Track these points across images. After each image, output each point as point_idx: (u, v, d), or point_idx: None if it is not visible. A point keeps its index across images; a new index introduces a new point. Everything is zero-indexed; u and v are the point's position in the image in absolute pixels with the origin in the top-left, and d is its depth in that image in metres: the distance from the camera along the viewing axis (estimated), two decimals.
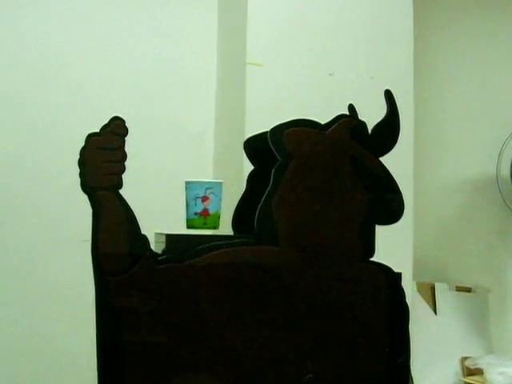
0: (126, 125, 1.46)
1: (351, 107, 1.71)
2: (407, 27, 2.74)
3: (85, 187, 1.43)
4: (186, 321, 1.47)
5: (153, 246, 1.51)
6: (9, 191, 2.68)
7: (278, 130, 1.54)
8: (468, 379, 2.97)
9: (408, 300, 1.61)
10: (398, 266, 1.59)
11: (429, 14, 3.16)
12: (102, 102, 2.70)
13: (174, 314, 1.46)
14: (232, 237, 1.63)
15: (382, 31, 2.72)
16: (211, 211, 1.67)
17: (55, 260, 2.69)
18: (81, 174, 1.43)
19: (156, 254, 1.48)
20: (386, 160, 1.60)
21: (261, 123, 1.64)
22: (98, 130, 1.45)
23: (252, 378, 1.50)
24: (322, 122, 1.57)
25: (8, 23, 2.74)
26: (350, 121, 1.59)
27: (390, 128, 1.61)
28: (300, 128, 1.55)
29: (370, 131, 1.61)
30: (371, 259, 1.58)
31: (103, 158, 1.43)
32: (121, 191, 1.45)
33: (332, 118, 1.58)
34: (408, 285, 2.48)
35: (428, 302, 3.11)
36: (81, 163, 1.43)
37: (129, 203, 1.45)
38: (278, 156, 1.53)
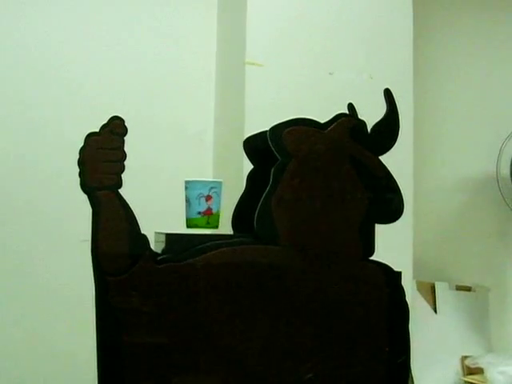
0: (126, 124, 1.46)
1: (351, 106, 1.72)
2: (407, 27, 2.74)
3: (84, 187, 1.43)
4: (185, 320, 1.47)
5: (152, 246, 1.51)
6: (8, 191, 2.68)
7: (278, 129, 1.54)
8: (468, 378, 2.97)
9: (408, 299, 1.61)
10: (398, 265, 1.59)
11: (428, 14, 3.16)
12: (102, 102, 2.70)
13: (173, 314, 1.46)
14: (232, 236, 1.63)
15: (382, 31, 2.72)
16: (214, 210, 1.67)
17: (55, 260, 2.69)
18: (80, 174, 1.43)
19: (156, 253, 1.48)
20: (385, 159, 1.60)
21: (260, 122, 1.64)
22: (97, 130, 1.45)
23: (252, 377, 1.50)
24: (322, 122, 1.57)
25: (8, 23, 2.74)
26: (349, 120, 1.59)
27: (389, 127, 1.61)
28: (299, 127, 1.55)
29: (369, 130, 1.61)
30: (371, 258, 1.58)
31: (103, 157, 1.42)
32: (120, 191, 1.45)
33: (331, 117, 1.58)
34: (408, 284, 2.48)
35: (428, 301, 3.11)
36: (80, 163, 1.43)
37: (128, 203, 1.45)
38: (277, 155, 1.53)
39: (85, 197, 1.44)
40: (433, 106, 3.23)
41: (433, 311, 3.11)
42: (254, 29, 2.58)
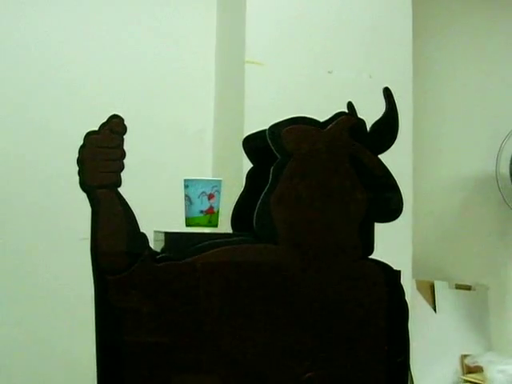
0: (125, 123, 1.46)
1: (350, 105, 1.72)
2: (406, 26, 2.74)
3: (84, 185, 1.43)
4: (185, 319, 1.47)
5: (152, 244, 1.51)
6: (8, 190, 2.68)
7: (277, 128, 1.54)
8: (468, 377, 2.97)
9: (407, 298, 1.61)
10: (398, 264, 1.59)
11: (428, 13, 3.16)
12: (102, 101, 2.70)
13: (173, 313, 1.46)
14: (231, 235, 1.63)
15: (382, 30, 2.72)
16: (215, 209, 1.67)
17: (54, 258, 2.69)
18: (80, 173, 1.43)
19: (155, 252, 1.48)
20: (384, 158, 1.60)
21: (260, 121, 1.64)
22: (96, 129, 1.45)
23: (251, 376, 1.50)
24: (321, 120, 1.58)
25: (8, 23, 2.74)
26: (348, 118, 1.59)
27: (388, 126, 1.61)
28: (299, 126, 1.55)
29: (368, 129, 1.61)
30: (370, 257, 1.58)
31: (102, 156, 1.43)
32: (120, 189, 1.45)
33: (331, 115, 1.58)
34: (407, 283, 2.48)
35: (428, 300, 3.11)
36: (80, 161, 1.44)
37: (128, 201, 1.46)
38: (276, 154, 1.53)
39: (84, 195, 1.44)
40: (432, 105, 3.23)
41: (432, 310, 3.11)
42: (254, 28, 2.57)
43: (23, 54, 2.75)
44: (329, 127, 1.56)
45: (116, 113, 1.47)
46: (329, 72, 2.62)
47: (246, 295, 1.50)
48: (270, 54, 2.57)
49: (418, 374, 2.88)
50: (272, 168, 1.52)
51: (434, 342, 3.01)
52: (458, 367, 3.03)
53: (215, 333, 1.48)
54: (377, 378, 1.58)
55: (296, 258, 1.53)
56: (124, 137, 1.45)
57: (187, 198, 1.67)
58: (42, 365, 2.67)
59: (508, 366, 2.85)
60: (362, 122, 1.60)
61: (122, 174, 1.44)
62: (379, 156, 1.60)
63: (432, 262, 3.18)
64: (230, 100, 2.77)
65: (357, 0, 2.72)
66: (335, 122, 1.57)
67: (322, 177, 1.56)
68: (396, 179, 1.61)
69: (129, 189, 1.46)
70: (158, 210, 2.40)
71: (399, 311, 1.60)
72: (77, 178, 1.44)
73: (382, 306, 1.59)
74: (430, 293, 3.14)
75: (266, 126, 1.56)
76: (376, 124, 1.61)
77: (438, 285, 3.15)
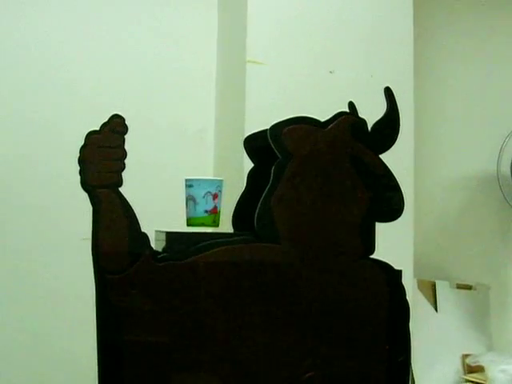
0: (126, 123, 1.46)
1: (351, 104, 1.71)
2: (407, 26, 2.74)
3: (85, 185, 1.43)
4: (186, 319, 1.47)
5: (153, 244, 1.51)
6: (9, 190, 2.68)
7: (278, 127, 1.54)
8: (469, 377, 2.96)
9: (408, 297, 1.61)
10: (399, 264, 1.59)
11: (429, 13, 3.16)
12: (102, 101, 2.70)
13: (174, 312, 1.46)
14: (232, 234, 1.63)
15: (382, 29, 2.72)
16: (218, 209, 1.67)
17: (55, 258, 2.69)
18: (81, 172, 1.43)
19: (156, 251, 1.48)
20: (386, 157, 1.60)
21: (261, 121, 1.64)
22: (98, 129, 1.45)
23: (251, 375, 1.50)
24: (322, 120, 1.57)
25: (8, 23, 2.74)
26: (349, 118, 1.59)
27: (390, 125, 1.61)
28: (300, 125, 1.55)
29: (369, 129, 1.61)
30: (371, 257, 1.58)
31: (103, 156, 1.43)
32: (121, 189, 1.45)
33: (332, 115, 1.58)
34: (409, 282, 2.47)
35: (429, 300, 3.11)
36: (81, 161, 1.44)
37: (129, 201, 1.45)
38: (277, 154, 1.53)
39: (85, 195, 1.44)
40: (433, 105, 3.23)
41: (433, 310, 3.11)
42: (255, 28, 2.57)
43: (23, 54, 2.74)
44: (330, 127, 1.56)
45: (117, 112, 1.47)
46: (330, 72, 2.62)
47: (246, 295, 1.50)
48: (271, 53, 2.57)
49: (419, 374, 2.88)
50: (273, 168, 1.52)
51: (435, 342, 3.01)
52: (459, 367, 3.03)
53: (216, 332, 1.48)
54: (378, 378, 1.58)
55: (297, 258, 1.53)
56: (125, 136, 1.45)
57: (191, 197, 1.66)
58: (42, 365, 2.67)
59: (509, 366, 2.85)
60: (363, 122, 1.60)
61: (123, 174, 1.44)
62: (380, 156, 1.60)
63: (433, 262, 3.18)
64: (231, 100, 2.77)
65: (358, 0, 2.72)
66: (336, 121, 1.57)
67: (323, 176, 1.55)
68: (397, 179, 1.61)
69: (130, 189, 1.46)
70: (158, 210, 2.40)
71: (400, 311, 1.60)
72: (78, 177, 1.44)
73: (383, 305, 1.59)
74: (431, 292, 3.13)
75: (267, 126, 1.56)
76: (377, 124, 1.61)
77: (439, 284, 3.15)
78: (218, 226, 1.68)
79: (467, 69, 3.34)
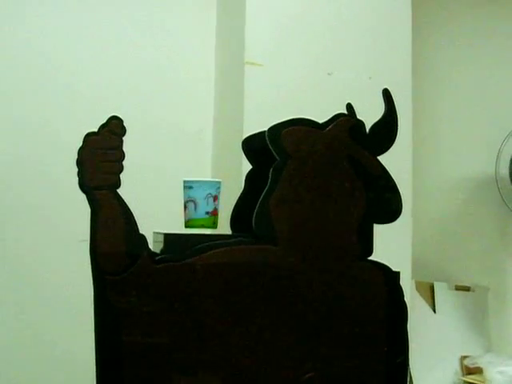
0: (125, 124, 1.46)
1: (349, 106, 1.71)
2: (406, 27, 2.74)
3: (83, 187, 1.43)
4: (184, 320, 1.47)
5: (151, 246, 1.51)
6: (7, 191, 2.68)
7: (276, 129, 1.54)
8: (467, 378, 2.97)
9: (407, 299, 1.61)
10: (397, 265, 1.59)
11: (427, 15, 3.17)
12: (101, 102, 2.70)
13: (172, 314, 1.46)
14: (230, 236, 1.63)
15: (381, 31, 2.72)
16: (218, 211, 1.67)
17: (54, 259, 2.69)
18: (79, 174, 1.43)
19: (154, 253, 1.48)
20: (384, 159, 1.60)
21: (259, 123, 1.64)
22: (96, 130, 1.45)
23: (251, 377, 1.50)
24: (321, 122, 1.57)
25: (7, 24, 2.74)
26: (348, 120, 1.59)
27: (388, 127, 1.61)
28: (298, 127, 1.55)
29: (368, 130, 1.61)
30: (369, 258, 1.58)
31: (101, 157, 1.43)
32: (119, 191, 1.45)
33: (330, 117, 1.58)
34: (407, 284, 2.49)
35: (427, 301, 3.11)
36: (79, 163, 1.43)
37: (127, 203, 1.45)
38: (275, 155, 1.52)
39: (84, 197, 1.44)
40: (431, 106, 3.23)
41: (432, 311, 3.12)
42: (253, 29, 2.58)
43: (22, 56, 2.75)
44: (328, 128, 1.56)
45: (115, 114, 1.46)
46: (328, 73, 2.62)
47: (245, 296, 1.50)
48: (270, 55, 2.57)
49: (417, 375, 2.88)
50: (271, 169, 1.52)
51: (434, 343, 3.01)
52: (458, 368, 3.03)
53: (214, 334, 1.48)
54: (376, 379, 1.58)
55: (295, 259, 1.53)
56: (123, 138, 1.45)
57: (191, 199, 1.66)
58: (41, 365, 2.67)
59: (508, 367, 2.86)
60: (361, 124, 1.60)
61: (121, 176, 1.44)
62: (378, 157, 1.60)
63: (431, 263, 3.18)
64: (230, 101, 2.77)
65: (356, 2, 2.72)
66: (334, 123, 1.57)
67: (321, 178, 1.55)
68: (395, 180, 1.60)
69: (128, 190, 1.46)
70: (157, 212, 2.40)
71: (398, 312, 1.60)
72: (76, 179, 1.44)
73: (381, 307, 1.59)
74: (429, 294, 3.14)
75: (265, 128, 1.56)
76: (375, 125, 1.61)
77: (437, 286, 3.16)
78: (216, 227, 1.68)
79: (465, 70, 3.35)
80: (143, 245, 1.46)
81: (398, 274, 1.60)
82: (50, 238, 2.70)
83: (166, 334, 1.45)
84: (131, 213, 1.45)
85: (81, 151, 1.43)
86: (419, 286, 3.09)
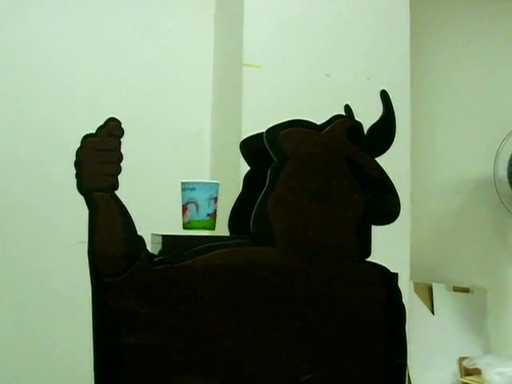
0: (123, 126, 1.46)
1: (347, 107, 1.71)
2: (404, 28, 2.74)
3: (81, 188, 1.43)
4: (182, 322, 1.47)
5: (149, 247, 1.51)
6: (5, 193, 2.68)
7: (274, 130, 1.54)
8: (466, 379, 2.97)
9: (405, 300, 1.61)
10: (395, 267, 1.59)
11: (425, 16, 3.17)
12: (99, 104, 2.70)
13: (170, 315, 1.46)
14: (228, 237, 1.63)
15: (379, 32, 2.72)
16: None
17: (53, 261, 2.69)
18: (77, 175, 1.43)
19: (152, 255, 1.48)
20: (382, 160, 1.61)
21: (258, 124, 1.64)
22: (94, 132, 1.45)
23: (249, 378, 1.50)
24: (319, 123, 1.57)
25: (7, 24, 2.74)
26: (346, 121, 1.59)
27: (386, 128, 1.62)
28: (296, 129, 1.55)
29: (366, 132, 1.61)
30: (368, 259, 1.58)
31: (99, 159, 1.42)
32: (117, 192, 1.45)
33: (328, 118, 1.58)
34: (405, 285, 2.49)
35: (425, 303, 3.11)
36: (77, 164, 1.43)
37: (125, 204, 1.45)
38: (273, 157, 1.53)
39: (82, 198, 1.43)
40: (430, 107, 3.24)
41: (430, 312, 3.12)
42: (252, 30, 2.58)
43: (21, 56, 2.74)
44: (326, 130, 1.56)
45: (113, 115, 1.46)
46: (326, 75, 2.62)
47: (243, 298, 1.50)
48: (268, 56, 2.57)
49: (415, 377, 2.88)
50: (269, 171, 1.52)
51: (432, 345, 3.01)
52: (456, 369, 3.03)
53: (213, 335, 1.48)
54: (375, 381, 1.58)
55: (293, 261, 1.53)
56: (121, 140, 1.45)
57: (193, 200, 1.65)
58: (39, 365, 2.67)
59: (506, 369, 2.86)
60: (359, 125, 1.60)
61: (119, 177, 1.44)
62: (377, 158, 1.60)
63: (430, 265, 3.18)
64: (228, 103, 2.77)
65: (355, 3, 2.72)
66: (332, 124, 1.57)
67: (320, 179, 1.55)
68: (393, 182, 1.61)
69: (126, 192, 1.46)
70: (155, 213, 2.40)
71: (397, 313, 1.60)
72: (75, 180, 1.44)
73: (380, 308, 1.59)
74: (427, 295, 3.14)
75: (263, 129, 1.56)
76: (373, 127, 1.61)
77: (435, 287, 3.16)
78: (214, 229, 1.68)
79: (464, 71, 3.35)
80: (141, 246, 1.46)
81: (396, 275, 1.60)
82: (50, 240, 2.70)
83: (165, 336, 1.45)
84: (129, 214, 1.45)
85: (78, 153, 1.43)
86: (417, 287, 3.09)
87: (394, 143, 1.62)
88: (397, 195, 1.61)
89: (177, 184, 1.69)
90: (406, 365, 1.64)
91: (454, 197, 3.32)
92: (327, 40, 2.66)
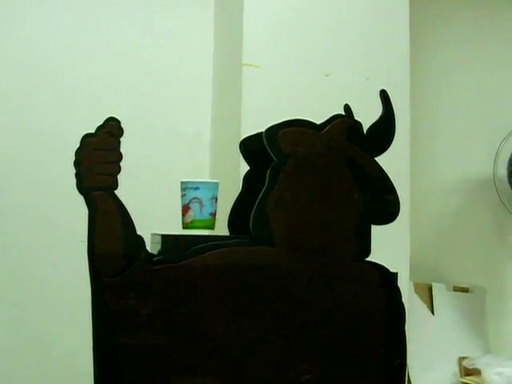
0: (123, 126, 1.45)
1: (347, 107, 1.71)
2: (403, 28, 2.74)
3: (80, 188, 1.43)
4: (182, 321, 1.47)
5: (148, 247, 1.50)
6: (6, 192, 2.68)
7: (273, 130, 1.54)
8: (465, 379, 2.97)
9: (405, 300, 1.61)
10: (395, 266, 1.59)
11: (425, 16, 3.17)
12: (99, 103, 2.70)
13: (170, 315, 1.46)
14: (228, 237, 1.63)
15: (378, 32, 2.72)
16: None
17: (53, 260, 2.69)
18: (76, 175, 1.43)
19: (152, 254, 1.48)
20: (382, 160, 1.60)
21: (257, 124, 1.63)
22: (93, 131, 1.45)
23: (248, 378, 1.50)
24: (318, 123, 1.57)
25: (7, 24, 2.74)
26: (345, 121, 1.59)
27: (385, 128, 1.61)
28: (296, 128, 1.55)
29: (365, 131, 1.61)
30: (367, 259, 1.58)
31: (98, 158, 1.42)
32: (116, 192, 1.44)
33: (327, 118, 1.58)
34: (405, 285, 2.49)
35: (425, 303, 3.11)
36: (76, 164, 1.43)
37: (124, 204, 1.45)
38: (273, 156, 1.52)
39: (82, 198, 1.43)
40: (429, 107, 3.24)
41: (430, 312, 3.11)
42: (251, 30, 2.58)
43: (20, 56, 2.75)
44: (326, 129, 1.56)
45: (113, 115, 1.46)
46: (326, 75, 2.62)
47: (243, 297, 1.50)
48: (268, 56, 2.58)
49: (415, 377, 2.88)
50: (268, 170, 1.52)
51: (432, 345, 3.01)
52: (456, 369, 3.03)
53: (212, 335, 1.48)
54: (374, 381, 1.58)
55: (293, 260, 1.53)
56: (121, 139, 1.45)
57: (196, 200, 1.65)
58: (39, 365, 2.67)
59: (506, 369, 2.86)
60: (358, 125, 1.60)
61: (118, 177, 1.44)
62: (376, 158, 1.60)
63: (429, 265, 3.18)
64: (228, 103, 2.77)
65: (354, 3, 2.72)
66: (332, 124, 1.56)
67: (319, 179, 1.55)
68: (393, 181, 1.60)
69: (126, 191, 1.46)
70: (154, 213, 2.40)
71: (396, 313, 1.60)
72: (74, 180, 1.44)
73: (379, 308, 1.59)
74: (427, 295, 3.14)
75: (263, 129, 1.56)
76: (373, 126, 1.61)
77: (435, 287, 3.16)
78: (214, 228, 1.68)
79: (463, 71, 3.35)
80: (141, 246, 1.46)
81: (395, 274, 1.60)
82: (50, 239, 2.70)
83: (164, 336, 1.45)
84: (129, 214, 1.45)
85: (78, 152, 1.43)
86: (417, 288, 3.09)
87: (393, 143, 1.62)
88: (396, 195, 1.60)
89: (176, 184, 1.69)
90: (405, 365, 1.63)
91: (454, 196, 3.32)
92: (327, 40, 2.66)
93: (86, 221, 1.44)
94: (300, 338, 1.53)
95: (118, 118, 1.46)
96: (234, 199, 1.77)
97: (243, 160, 1.77)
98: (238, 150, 1.79)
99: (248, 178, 1.76)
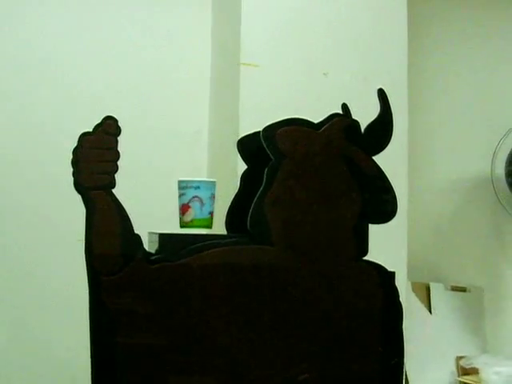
0: (120, 125, 1.45)
1: (344, 106, 1.71)
2: (401, 28, 2.75)
3: (78, 187, 1.43)
4: (180, 320, 1.46)
5: (146, 246, 1.50)
6: (4, 191, 2.68)
7: (271, 129, 1.53)
8: (463, 379, 2.97)
9: (402, 300, 1.61)
10: (393, 266, 1.59)
11: (423, 15, 3.17)
12: (97, 102, 2.70)
13: (167, 314, 1.46)
14: (226, 236, 1.63)
15: (376, 32, 2.72)
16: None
17: (52, 259, 2.69)
18: (74, 174, 1.43)
19: (149, 253, 1.48)
20: (379, 159, 1.60)
21: (255, 123, 1.63)
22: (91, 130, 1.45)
23: (247, 377, 1.50)
24: (316, 122, 1.57)
25: (7, 24, 2.74)
26: (343, 120, 1.59)
27: (383, 127, 1.61)
28: (293, 127, 1.55)
29: (363, 130, 1.61)
30: (365, 258, 1.58)
31: (96, 157, 1.42)
32: (114, 191, 1.44)
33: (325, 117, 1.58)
34: (402, 284, 2.48)
35: (423, 302, 3.11)
36: (74, 163, 1.43)
37: (122, 203, 1.45)
38: (270, 155, 1.52)
39: (80, 196, 1.43)
40: (427, 107, 3.24)
41: (428, 312, 3.12)
42: (249, 30, 2.58)
43: (20, 56, 2.75)
44: (323, 128, 1.56)
45: (111, 114, 1.46)
46: (324, 74, 2.62)
47: (240, 296, 1.50)
48: (265, 56, 2.58)
49: (413, 376, 2.88)
50: (266, 169, 1.52)
51: (430, 344, 3.01)
52: (454, 369, 3.03)
53: (210, 334, 1.48)
54: (372, 380, 1.58)
55: (290, 260, 1.53)
56: (118, 138, 1.45)
57: (197, 199, 1.65)
58: (37, 365, 2.67)
59: (503, 368, 2.86)
60: (356, 124, 1.60)
61: (116, 176, 1.44)
62: (374, 157, 1.60)
63: (427, 264, 3.19)
64: (226, 102, 2.77)
65: (352, 3, 2.72)
66: (330, 123, 1.56)
67: (317, 178, 1.55)
68: (391, 181, 1.60)
69: (123, 190, 1.46)
70: (152, 212, 2.40)
71: (394, 312, 1.60)
72: (72, 178, 1.43)
73: (377, 307, 1.58)
74: (425, 294, 3.14)
75: (261, 128, 1.55)
76: (371, 125, 1.61)
77: (433, 286, 3.16)
78: (211, 227, 1.68)
79: (461, 71, 3.35)
80: (138, 245, 1.46)
81: (393, 274, 1.59)
82: (49, 238, 2.70)
83: (162, 335, 1.45)
84: (126, 213, 1.45)
85: (76, 151, 1.43)
86: (415, 287, 3.09)
87: (391, 142, 1.62)
88: (394, 194, 1.60)
89: (174, 183, 1.69)
90: (403, 364, 1.63)
91: (452, 196, 3.32)
92: (325, 39, 2.66)
93: (84, 219, 1.44)
94: (298, 337, 1.53)
95: (117, 117, 1.45)
96: (232, 198, 1.77)
97: (241, 159, 1.77)
98: (236, 149, 1.79)
99: (246, 177, 1.76)
